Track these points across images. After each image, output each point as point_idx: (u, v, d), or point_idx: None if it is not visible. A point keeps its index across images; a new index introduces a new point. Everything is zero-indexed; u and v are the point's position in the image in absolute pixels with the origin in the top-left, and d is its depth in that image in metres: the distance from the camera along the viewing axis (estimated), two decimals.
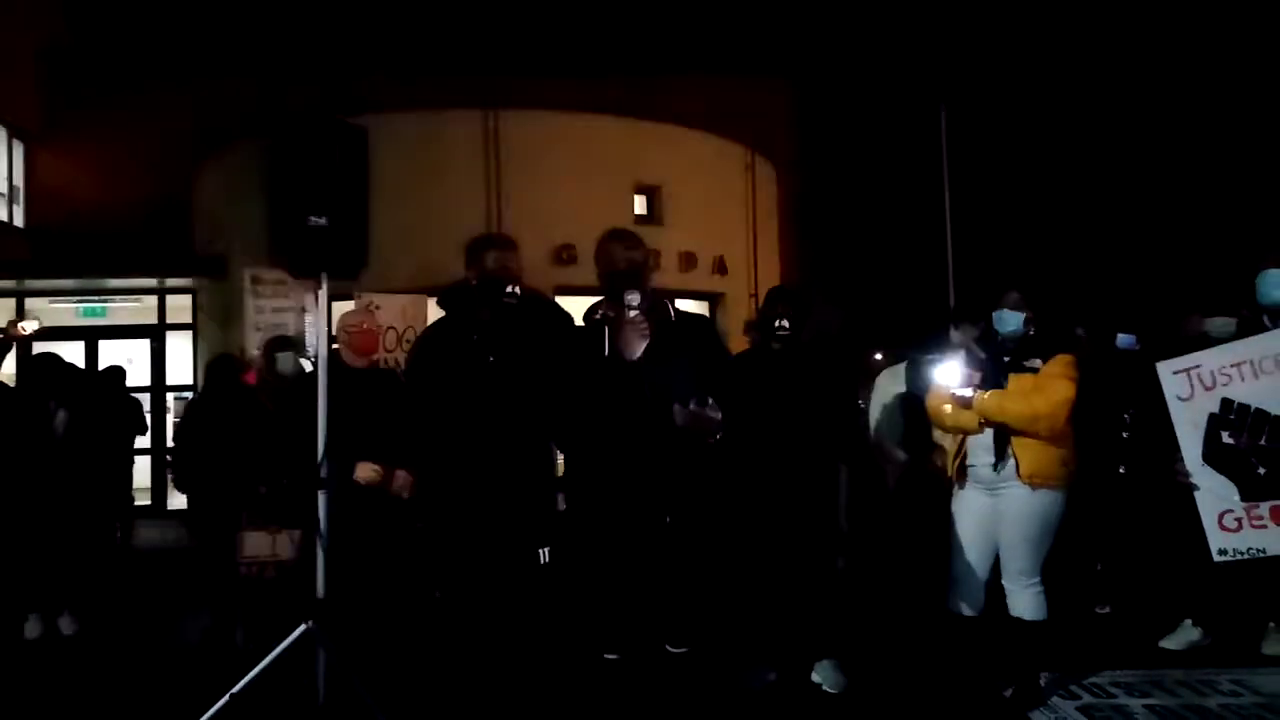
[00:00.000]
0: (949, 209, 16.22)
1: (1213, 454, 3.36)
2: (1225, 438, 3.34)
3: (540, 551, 3.88)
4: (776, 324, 4.52)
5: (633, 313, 3.70)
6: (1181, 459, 3.42)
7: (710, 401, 3.59)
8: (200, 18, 15.86)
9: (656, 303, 3.90)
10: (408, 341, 5.99)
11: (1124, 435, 5.62)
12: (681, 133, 14.20)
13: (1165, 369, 3.47)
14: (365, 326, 4.92)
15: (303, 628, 3.75)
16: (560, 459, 4.40)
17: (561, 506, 4.18)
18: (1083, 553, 5.76)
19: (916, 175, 17.87)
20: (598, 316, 3.94)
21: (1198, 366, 3.41)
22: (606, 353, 3.73)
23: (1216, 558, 3.42)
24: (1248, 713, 4.07)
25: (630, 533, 3.76)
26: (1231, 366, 3.34)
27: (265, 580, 5.18)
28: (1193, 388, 3.40)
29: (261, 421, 5.52)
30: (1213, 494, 3.38)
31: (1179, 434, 3.43)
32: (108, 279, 13.67)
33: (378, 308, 6.03)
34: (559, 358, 3.92)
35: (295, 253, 4.00)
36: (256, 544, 5.19)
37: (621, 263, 3.87)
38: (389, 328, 6.04)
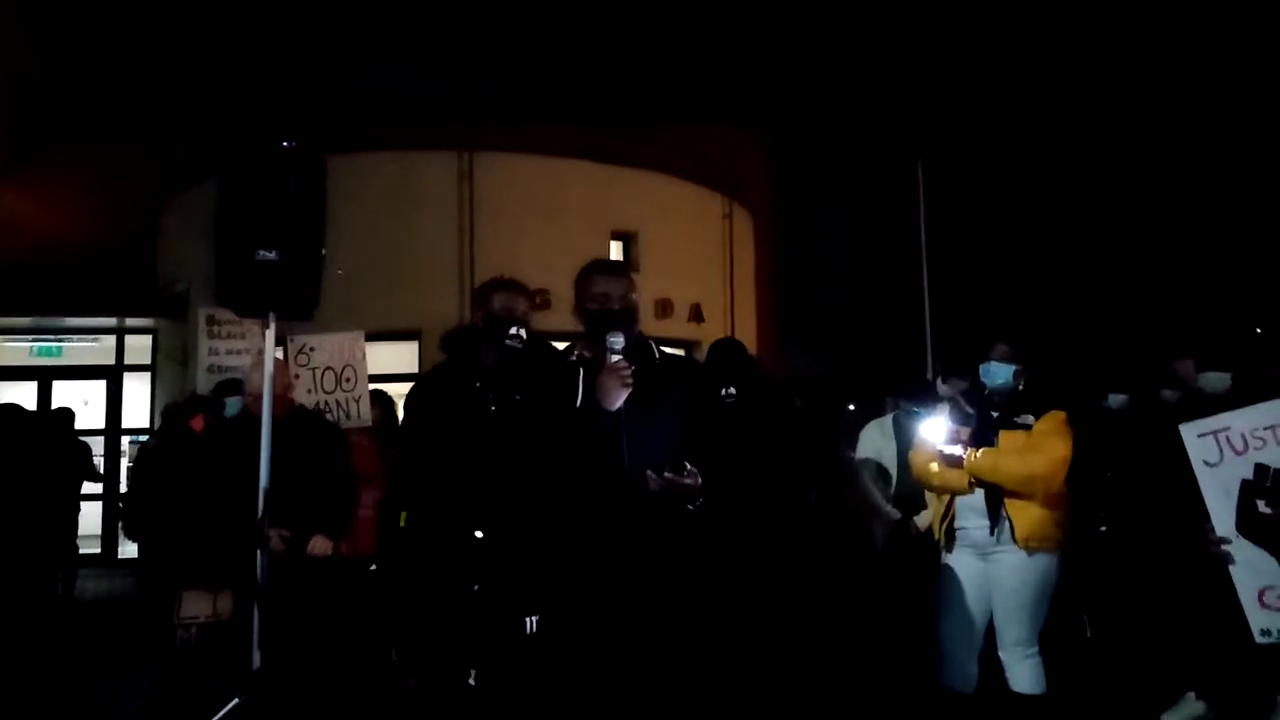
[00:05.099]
0: (925, 262, 16.21)
1: (1248, 524, 3.04)
2: (1262, 507, 3.03)
3: (528, 620, 3.46)
4: (724, 392, 4.34)
5: (615, 358, 3.14)
6: (1213, 527, 3.09)
7: (689, 466, 3.08)
8: (169, 57, 15.70)
9: (640, 345, 3.37)
10: (347, 380, 5.67)
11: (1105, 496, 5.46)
12: (659, 179, 14.12)
13: (1189, 431, 3.16)
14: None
15: (234, 703, 3.43)
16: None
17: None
18: (1073, 619, 5.55)
19: (893, 227, 17.91)
20: (573, 358, 3.41)
21: (1226, 429, 3.10)
22: (579, 401, 3.23)
23: (1259, 639, 3.05)
24: None
25: (608, 607, 3.21)
26: (1265, 429, 3.04)
27: (198, 645, 4.80)
28: (1222, 452, 3.10)
29: (203, 470, 5.18)
30: (1250, 568, 3.05)
31: (1208, 502, 3.10)
32: (65, 318, 13.40)
33: (312, 350, 5.72)
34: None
35: (242, 289, 3.74)
36: (195, 604, 4.83)
37: (615, 302, 3.30)
38: (326, 368, 5.70)
